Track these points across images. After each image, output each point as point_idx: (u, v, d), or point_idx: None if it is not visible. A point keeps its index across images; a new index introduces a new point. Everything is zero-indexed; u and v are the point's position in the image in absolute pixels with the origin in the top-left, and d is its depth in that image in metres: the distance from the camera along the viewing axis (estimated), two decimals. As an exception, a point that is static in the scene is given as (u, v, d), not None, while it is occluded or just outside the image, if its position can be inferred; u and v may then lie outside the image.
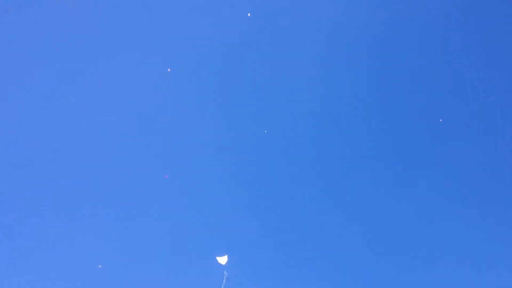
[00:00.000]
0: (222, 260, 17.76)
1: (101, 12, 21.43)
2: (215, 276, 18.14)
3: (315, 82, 21.93)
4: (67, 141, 20.31)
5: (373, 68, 22.13)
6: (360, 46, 22.18)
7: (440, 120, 20.98)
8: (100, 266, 18.50)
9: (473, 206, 20.46)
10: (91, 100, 20.75)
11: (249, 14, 20.99)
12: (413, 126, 21.51)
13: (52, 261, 18.87)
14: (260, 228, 20.26)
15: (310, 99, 21.89)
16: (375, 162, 21.28)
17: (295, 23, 22.20)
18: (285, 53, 22.11)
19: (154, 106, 21.11)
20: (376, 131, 21.60)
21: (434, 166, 20.94)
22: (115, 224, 19.53)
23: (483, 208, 20.38)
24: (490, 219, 20.26)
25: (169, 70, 20.92)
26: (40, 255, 18.88)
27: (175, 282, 19.02)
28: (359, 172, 21.13)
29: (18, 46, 20.83)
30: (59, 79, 20.85)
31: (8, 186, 19.44)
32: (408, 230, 20.35)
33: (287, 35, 22.15)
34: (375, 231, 20.35)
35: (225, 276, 17.67)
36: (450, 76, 21.78)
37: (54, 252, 18.95)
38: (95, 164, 20.15)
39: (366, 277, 19.59)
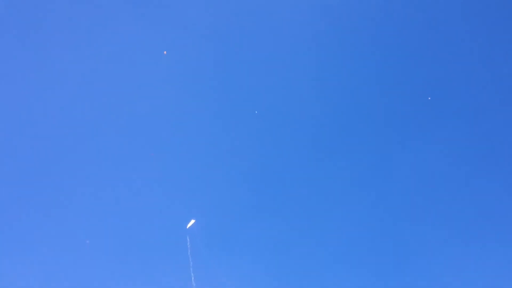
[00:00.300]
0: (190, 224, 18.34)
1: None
2: (213, 275, 18.54)
3: (309, 68, 21.96)
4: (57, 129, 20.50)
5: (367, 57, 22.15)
6: (356, 30, 22.15)
7: (429, 98, 21.01)
8: (88, 242, 18.73)
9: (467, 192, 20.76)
10: (87, 87, 20.85)
11: None
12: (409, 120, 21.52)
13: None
14: (258, 224, 20.39)
15: (305, 88, 21.87)
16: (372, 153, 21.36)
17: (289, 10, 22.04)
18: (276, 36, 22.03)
19: (151, 100, 21.05)
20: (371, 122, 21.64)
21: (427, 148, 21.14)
22: (117, 222, 19.65)
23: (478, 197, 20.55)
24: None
25: (165, 52, 20.65)
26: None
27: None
28: (357, 167, 21.22)
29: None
30: (49, 68, 20.70)
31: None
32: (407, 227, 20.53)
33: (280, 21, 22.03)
34: (374, 228, 20.53)
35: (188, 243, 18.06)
36: (443, 57, 21.91)
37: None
38: (94, 164, 20.22)
39: (365, 276, 19.85)
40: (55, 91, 20.70)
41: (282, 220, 20.35)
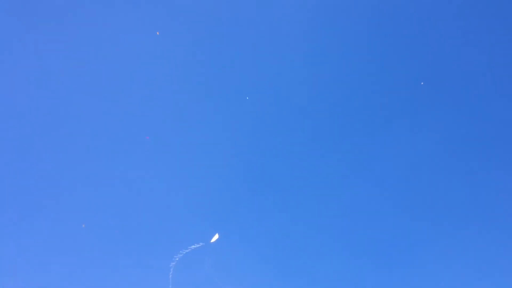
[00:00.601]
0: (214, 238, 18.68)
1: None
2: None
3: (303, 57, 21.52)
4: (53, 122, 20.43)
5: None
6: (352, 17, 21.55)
7: (422, 83, 20.79)
8: (84, 226, 18.95)
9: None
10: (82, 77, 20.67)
11: None
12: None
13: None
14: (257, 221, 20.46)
15: (296, 78, 21.56)
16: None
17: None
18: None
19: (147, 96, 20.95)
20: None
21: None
22: (118, 221, 19.87)
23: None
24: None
25: (158, 33, 20.50)
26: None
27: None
28: (356, 167, 21.02)
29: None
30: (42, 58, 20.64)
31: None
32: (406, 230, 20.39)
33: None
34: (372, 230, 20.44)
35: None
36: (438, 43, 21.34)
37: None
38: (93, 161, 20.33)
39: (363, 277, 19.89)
40: (51, 87, 20.67)
41: (276, 215, 20.49)
